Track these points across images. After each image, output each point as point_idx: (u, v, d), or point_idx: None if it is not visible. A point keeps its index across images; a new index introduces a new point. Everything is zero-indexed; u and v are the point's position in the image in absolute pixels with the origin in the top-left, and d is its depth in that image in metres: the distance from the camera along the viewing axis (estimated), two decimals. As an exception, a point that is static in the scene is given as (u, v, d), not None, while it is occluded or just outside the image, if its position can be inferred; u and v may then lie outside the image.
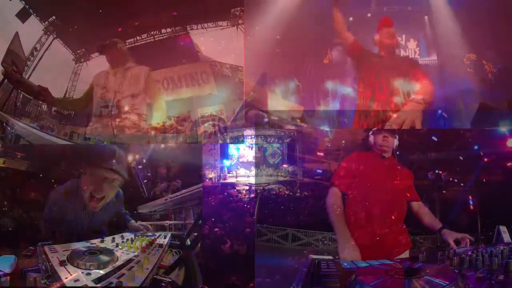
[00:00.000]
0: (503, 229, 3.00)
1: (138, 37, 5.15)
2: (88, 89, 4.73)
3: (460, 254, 2.25)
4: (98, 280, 2.43)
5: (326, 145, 4.49)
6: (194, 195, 4.03)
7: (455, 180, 4.25)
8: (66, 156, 4.13)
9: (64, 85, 5.05)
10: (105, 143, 4.28)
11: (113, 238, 3.31)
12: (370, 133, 3.51)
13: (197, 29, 5.03)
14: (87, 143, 4.31)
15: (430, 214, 3.37)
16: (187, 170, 4.21)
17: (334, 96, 4.51)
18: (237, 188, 4.64)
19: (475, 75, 4.43)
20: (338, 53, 4.61)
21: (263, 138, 4.80)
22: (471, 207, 4.10)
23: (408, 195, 3.38)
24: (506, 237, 2.95)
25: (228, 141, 4.62)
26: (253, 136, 4.67)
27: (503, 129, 4.03)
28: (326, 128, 4.47)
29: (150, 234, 3.70)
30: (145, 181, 4.20)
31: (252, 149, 4.79)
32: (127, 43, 4.95)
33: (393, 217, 3.26)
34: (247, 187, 4.62)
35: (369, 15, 4.56)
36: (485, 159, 4.11)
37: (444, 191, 4.26)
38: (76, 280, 2.39)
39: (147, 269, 2.68)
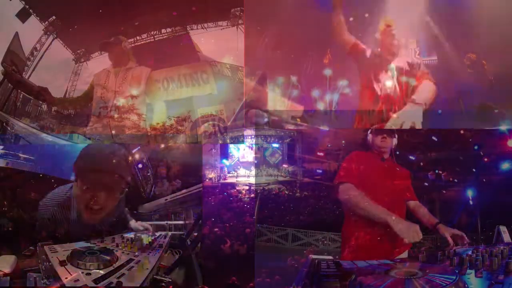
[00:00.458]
0: (503, 229, 3.00)
1: (138, 37, 5.15)
2: (88, 88, 4.73)
3: (460, 254, 2.25)
4: (98, 280, 2.43)
5: (326, 145, 4.49)
6: (194, 195, 4.03)
7: (455, 180, 4.25)
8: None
9: (64, 85, 5.05)
10: (104, 142, 4.29)
11: (113, 238, 3.30)
12: (369, 131, 3.50)
13: (197, 29, 5.03)
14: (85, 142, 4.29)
15: (425, 210, 3.35)
16: (187, 170, 4.21)
17: (334, 96, 4.50)
18: (237, 188, 4.64)
19: (475, 75, 4.43)
20: (338, 53, 4.60)
21: (263, 138, 4.80)
22: (471, 207, 4.10)
23: (408, 195, 3.38)
24: (506, 237, 2.95)
25: (228, 141, 4.62)
26: (253, 136, 4.67)
27: (503, 129, 4.04)
28: (326, 128, 4.47)
29: (150, 234, 3.70)
30: (145, 181, 4.20)
31: (252, 149, 4.80)
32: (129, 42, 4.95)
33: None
34: (247, 187, 4.63)
35: (366, 15, 4.56)
36: (485, 159, 4.11)
37: (444, 191, 4.26)
38: (76, 280, 2.40)
39: (147, 269, 2.68)
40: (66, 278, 2.41)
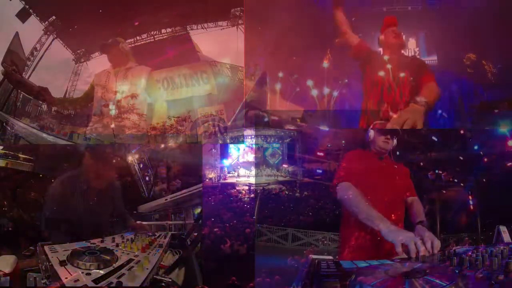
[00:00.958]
0: (503, 229, 2.99)
1: (138, 37, 5.15)
2: (88, 89, 4.73)
3: (460, 254, 2.25)
4: (98, 280, 2.43)
5: (326, 145, 4.49)
6: (194, 195, 4.03)
7: (455, 180, 4.25)
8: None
9: (64, 85, 5.04)
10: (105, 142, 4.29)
11: (113, 238, 3.31)
12: (371, 127, 3.44)
13: (197, 29, 5.03)
14: (87, 143, 4.31)
15: (419, 206, 3.29)
16: (187, 170, 4.21)
17: (334, 96, 4.50)
18: (237, 188, 4.64)
19: (475, 75, 4.42)
20: (340, 52, 4.60)
21: (263, 138, 4.81)
22: (471, 207, 4.10)
23: (408, 194, 3.36)
24: (506, 237, 2.94)
25: (228, 141, 4.62)
26: (253, 136, 4.67)
27: (503, 129, 4.03)
28: (326, 128, 4.47)
29: (150, 234, 3.70)
30: (145, 181, 4.20)
31: (252, 149, 4.80)
32: (127, 43, 4.95)
33: (393, 217, 3.24)
34: (247, 187, 4.63)
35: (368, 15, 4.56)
36: (485, 159, 4.11)
37: (444, 191, 4.26)
38: (76, 280, 2.39)
39: (147, 269, 2.68)
40: (66, 278, 2.41)
